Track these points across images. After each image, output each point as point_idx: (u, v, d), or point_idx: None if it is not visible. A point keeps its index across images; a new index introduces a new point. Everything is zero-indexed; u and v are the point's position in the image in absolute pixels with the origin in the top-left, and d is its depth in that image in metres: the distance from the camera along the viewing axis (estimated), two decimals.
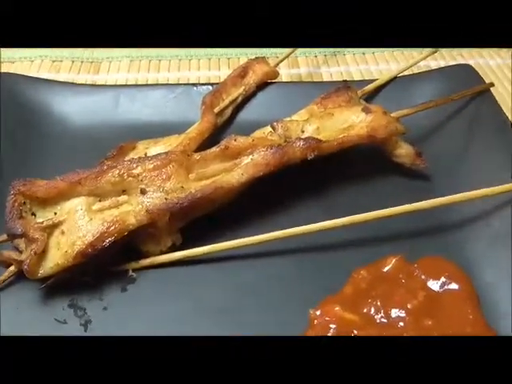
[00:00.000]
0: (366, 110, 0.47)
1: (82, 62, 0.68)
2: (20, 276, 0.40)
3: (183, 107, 0.55)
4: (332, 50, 0.70)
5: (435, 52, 0.59)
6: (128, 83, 0.64)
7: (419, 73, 0.58)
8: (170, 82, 0.64)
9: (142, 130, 0.52)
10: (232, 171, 0.42)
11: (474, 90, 0.52)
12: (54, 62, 0.67)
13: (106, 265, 0.41)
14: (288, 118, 0.49)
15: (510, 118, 0.57)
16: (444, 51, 0.69)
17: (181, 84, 0.58)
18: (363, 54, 0.70)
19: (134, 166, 0.40)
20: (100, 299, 0.40)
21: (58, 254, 0.38)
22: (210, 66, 0.68)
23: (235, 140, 0.43)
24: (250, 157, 0.43)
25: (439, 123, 0.52)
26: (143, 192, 0.40)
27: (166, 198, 0.40)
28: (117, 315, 0.39)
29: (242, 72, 0.55)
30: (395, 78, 0.57)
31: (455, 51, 0.69)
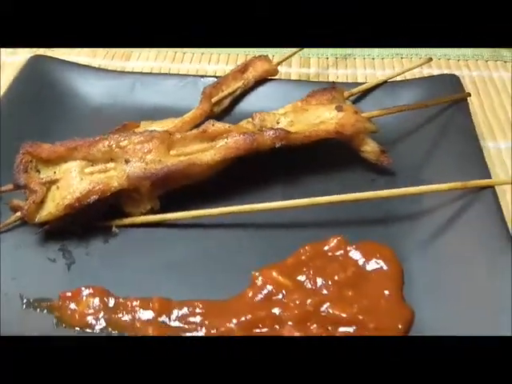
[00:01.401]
0: (338, 108, 0.54)
1: (115, 49, 0.78)
2: (25, 221, 0.50)
3: (189, 95, 0.63)
4: (343, 52, 0.76)
5: (430, 60, 0.64)
6: (153, 71, 0.74)
7: (407, 79, 0.63)
8: (188, 73, 0.73)
9: (151, 112, 0.61)
10: (207, 151, 0.50)
11: (448, 99, 0.57)
12: (91, 48, 0.78)
13: (94, 219, 0.50)
14: (273, 111, 0.57)
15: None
16: (442, 61, 0.74)
17: (190, 75, 0.66)
18: (373, 58, 0.76)
19: (122, 139, 0.49)
20: (85, 247, 0.49)
21: (52, 205, 0.47)
22: (229, 60, 0.76)
23: (213, 125, 0.51)
24: (225, 140, 0.51)
25: (414, 127, 0.58)
26: (127, 161, 0.49)
27: (144, 168, 0.48)
28: (96, 261, 0.48)
29: (243, 68, 0.63)
30: (385, 82, 0.63)
31: (453, 61, 0.74)
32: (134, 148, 0.49)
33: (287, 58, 0.67)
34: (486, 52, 0.76)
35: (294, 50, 0.67)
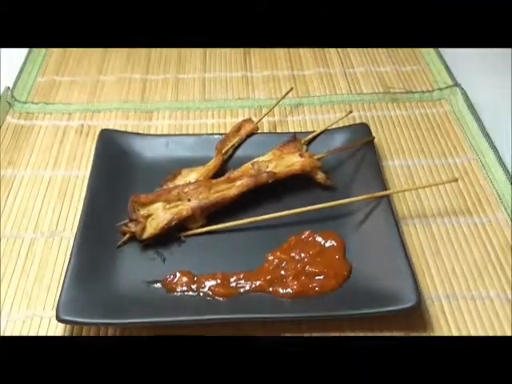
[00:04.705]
0: (301, 155, 0.96)
1: (140, 112, 1.17)
2: (133, 239, 0.89)
3: (206, 148, 1.02)
4: (296, 102, 1.18)
5: (351, 112, 1.08)
6: (170, 127, 1.13)
7: (338, 127, 1.06)
8: (196, 129, 1.12)
9: (183, 162, 1.01)
10: (230, 189, 0.92)
11: (363, 142, 1.01)
12: (123, 112, 1.17)
13: (171, 233, 0.90)
14: (261, 158, 0.98)
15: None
16: (359, 105, 1.18)
17: (204, 134, 1.07)
18: (315, 106, 1.18)
19: (185, 187, 0.90)
20: (169, 249, 0.89)
21: (151, 228, 0.88)
22: (220, 115, 1.17)
23: (233, 173, 0.93)
24: (241, 181, 0.92)
25: (343, 161, 1.01)
26: (189, 200, 0.89)
27: (198, 203, 0.89)
28: (177, 257, 0.89)
29: (237, 128, 1.04)
30: (325, 130, 1.05)
31: (366, 105, 1.18)
32: (192, 192, 0.90)
33: (262, 118, 1.09)
34: (387, 96, 1.20)
35: (267, 110, 1.09)
